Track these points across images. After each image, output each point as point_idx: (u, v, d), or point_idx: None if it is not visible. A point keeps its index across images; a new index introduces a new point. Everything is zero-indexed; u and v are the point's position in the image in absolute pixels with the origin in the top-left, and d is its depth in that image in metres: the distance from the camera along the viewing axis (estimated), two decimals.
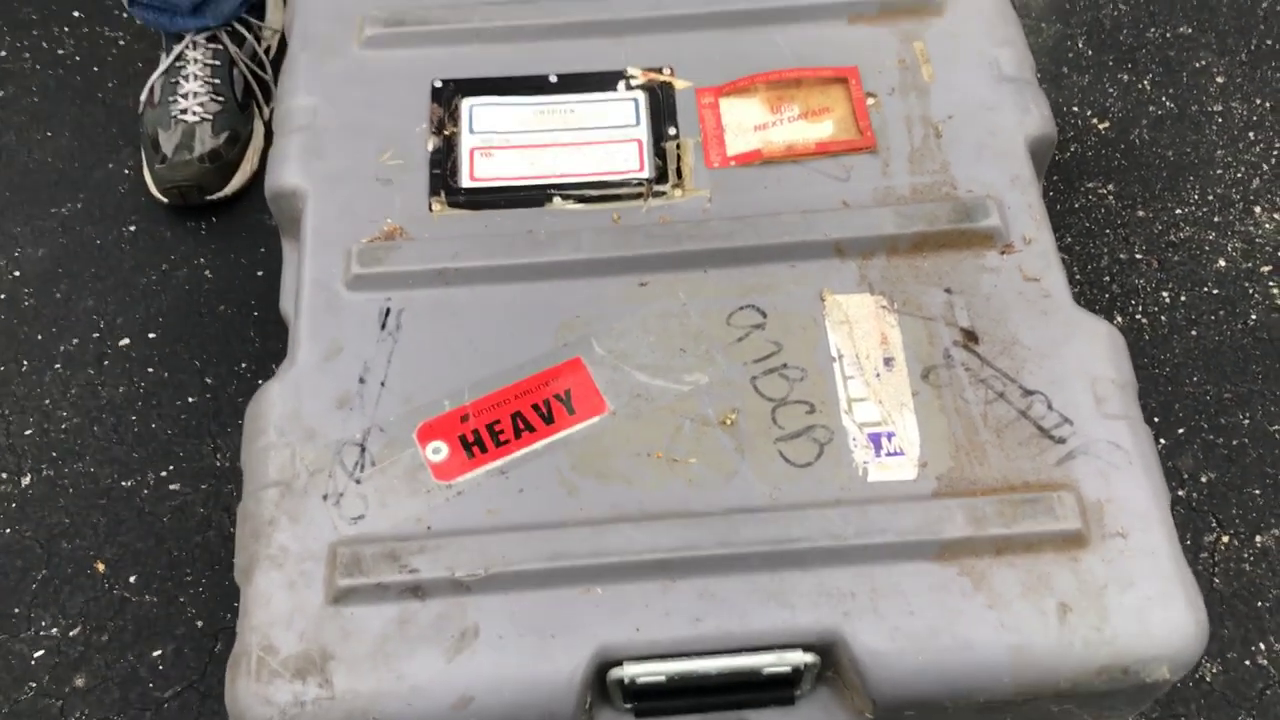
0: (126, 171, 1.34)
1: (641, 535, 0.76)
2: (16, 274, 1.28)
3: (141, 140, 1.31)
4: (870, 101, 0.95)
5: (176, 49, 1.30)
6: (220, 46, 1.30)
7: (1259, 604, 1.06)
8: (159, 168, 1.28)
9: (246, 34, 1.33)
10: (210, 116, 1.28)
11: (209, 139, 1.27)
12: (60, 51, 1.44)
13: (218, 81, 1.29)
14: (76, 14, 1.47)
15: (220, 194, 1.29)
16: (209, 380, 1.20)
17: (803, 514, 0.77)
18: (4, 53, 1.44)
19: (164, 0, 1.25)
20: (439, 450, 0.80)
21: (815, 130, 0.94)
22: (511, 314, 0.86)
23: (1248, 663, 1.04)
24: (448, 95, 0.97)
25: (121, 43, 1.44)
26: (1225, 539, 1.09)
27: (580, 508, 0.78)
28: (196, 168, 1.26)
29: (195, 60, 1.29)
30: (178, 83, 1.29)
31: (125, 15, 1.46)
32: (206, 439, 1.17)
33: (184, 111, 1.28)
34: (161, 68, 1.30)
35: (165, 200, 1.29)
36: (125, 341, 1.23)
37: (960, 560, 0.75)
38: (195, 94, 1.28)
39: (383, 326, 0.85)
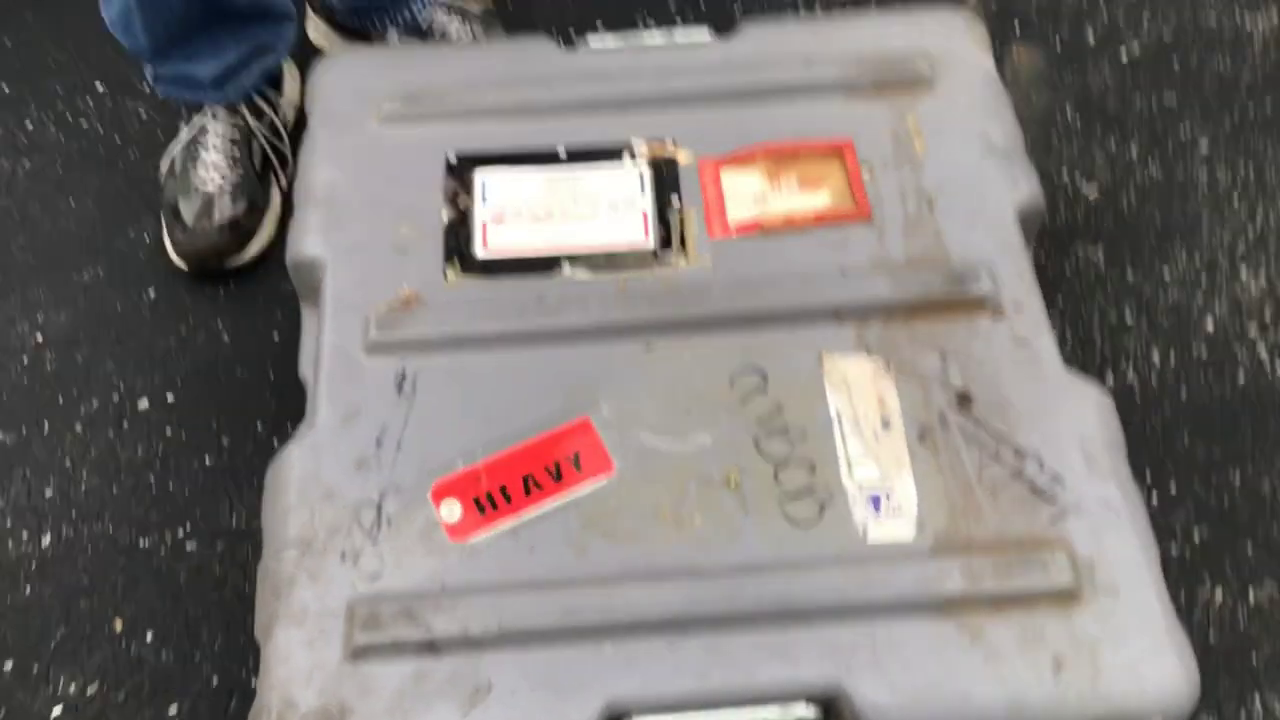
0: (147, 239, 1.38)
1: (649, 593, 0.79)
2: (39, 338, 1.31)
3: (162, 208, 1.35)
4: (865, 173, 0.99)
5: (198, 121, 1.34)
6: (240, 119, 1.35)
7: (1252, 660, 1.08)
8: (179, 235, 1.32)
9: (265, 107, 1.37)
10: (229, 186, 1.32)
11: (228, 208, 1.31)
12: (84, 124, 1.49)
13: (237, 153, 1.33)
14: (100, 88, 1.52)
15: (238, 261, 1.33)
16: (226, 442, 1.23)
17: (805, 572, 0.80)
18: (30, 125, 1.49)
19: (186, 75, 1.30)
20: (453, 510, 0.83)
21: (813, 200, 0.98)
22: (522, 377, 0.89)
23: (1242, 717, 1.06)
24: (462, 169, 1.01)
25: (143, 115, 1.49)
26: (1219, 595, 1.12)
27: (589, 566, 0.81)
28: (215, 236, 1.30)
29: (216, 132, 1.34)
30: (198, 153, 1.33)
31: (148, 89, 1.51)
32: (223, 499, 1.19)
33: (204, 181, 1.32)
34: (182, 139, 1.35)
35: (185, 267, 1.33)
36: (144, 404, 1.26)
37: (958, 616, 0.78)
38: (215, 164, 1.32)
39: (399, 390, 0.89)
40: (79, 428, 1.25)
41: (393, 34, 1.44)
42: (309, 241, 0.97)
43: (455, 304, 0.93)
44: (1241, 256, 1.34)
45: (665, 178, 1.00)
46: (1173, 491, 1.18)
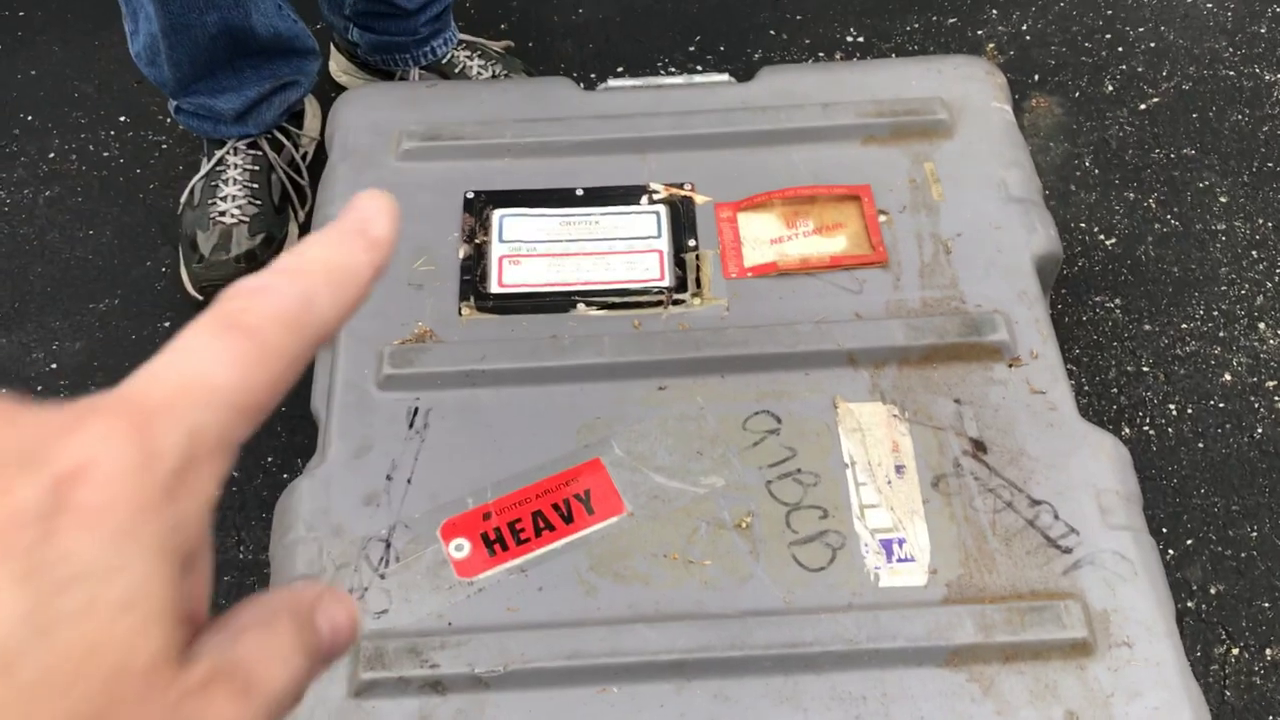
0: (164, 269, 1.39)
1: (657, 636, 0.78)
2: (53, 366, 1.32)
3: (180, 240, 1.36)
4: (882, 218, 0.99)
5: (218, 154, 1.35)
6: (260, 153, 1.36)
7: (1269, 717, 1.06)
8: (196, 266, 1.32)
9: (285, 141, 1.39)
10: (247, 219, 1.32)
11: (245, 240, 1.32)
12: (105, 154, 1.50)
13: (256, 186, 1.34)
14: (123, 119, 1.54)
15: None
16: (235, 474, 1.23)
17: (815, 618, 0.79)
18: (53, 155, 1.50)
19: (209, 108, 1.31)
20: (461, 547, 0.83)
21: (829, 245, 0.98)
22: (535, 415, 0.89)
23: None
24: (479, 206, 1.01)
25: (164, 146, 1.51)
26: (1235, 651, 1.10)
27: (598, 607, 0.80)
28: (232, 268, 1.31)
29: (235, 165, 1.35)
30: (217, 186, 1.34)
31: (169, 120, 1.52)
32: (231, 531, 1.19)
33: (222, 214, 1.33)
34: (202, 171, 1.36)
35: (200, 298, 1.34)
36: None
37: (969, 666, 0.77)
38: (234, 197, 1.33)
39: (411, 425, 0.89)
40: None
41: (414, 72, 1.46)
42: None
43: (469, 340, 0.93)
44: (1259, 309, 1.33)
45: (682, 219, 1.00)
46: (1189, 545, 1.16)
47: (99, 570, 0.20)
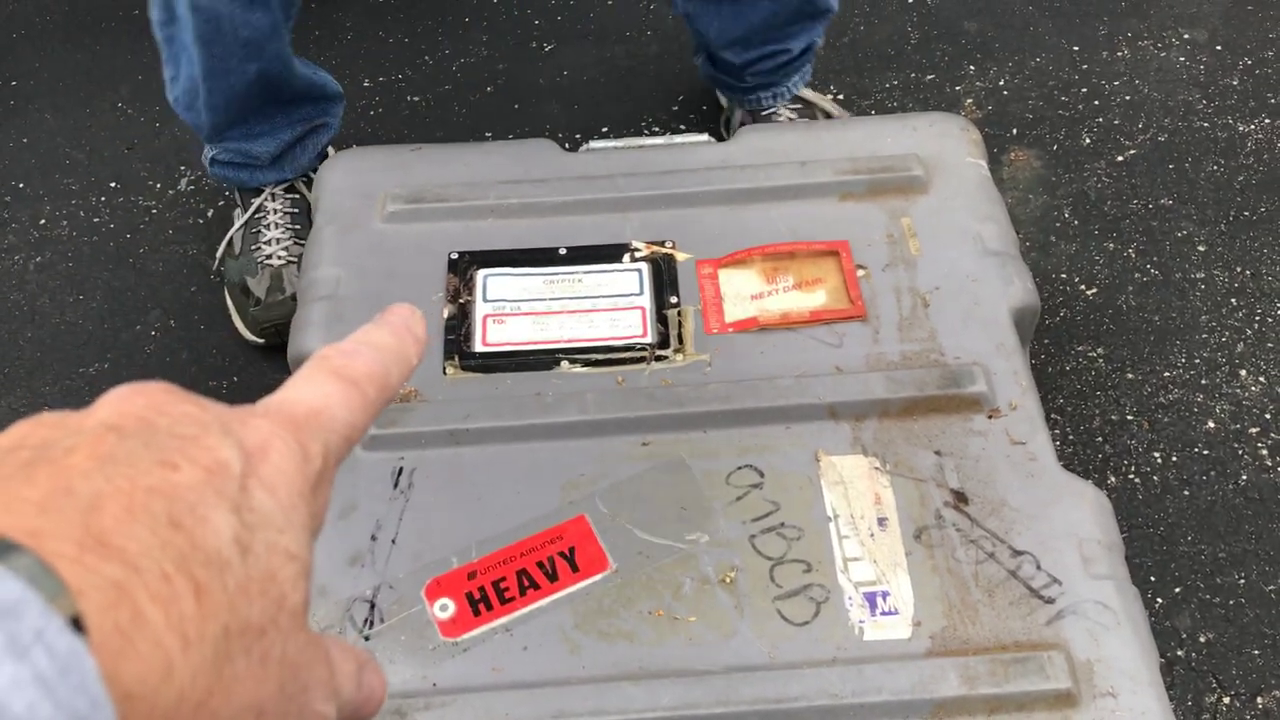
0: (153, 333, 1.40)
1: (642, 694, 0.78)
2: None
3: (228, 290, 1.39)
4: (861, 273, 1.00)
5: (256, 202, 1.38)
6: (297, 195, 1.40)
7: None
8: (253, 310, 1.35)
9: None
10: (295, 259, 1.35)
11: (297, 278, 1.34)
12: (96, 219, 1.52)
13: (298, 227, 1.38)
14: (114, 185, 1.55)
15: None
16: None
17: (800, 673, 0.79)
18: (44, 221, 1.52)
19: (245, 153, 1.35)
20: (446, 607, 0.83)
21: (809, 300, 0.99)
22: (519, 473, 0.90)
23: None
24: (463, 266, 1.02)
25: (154, 211, 1.52)
26: (1226, 700, 1.10)
27: (582, 666, 0.80)
28: (290, 306, 1.32)
29: (275, 210, 1.38)
30: (259, 232, 1.38)
31: (159, 186, 1.54)
32: None
33: (269, 257, 1.36)
34: (240, 221, 1.39)
35: (261, 341, 1.36)
36: None
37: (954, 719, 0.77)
38: (278, 240, 1.37)
39: (395, 485, 0.89)
40: None
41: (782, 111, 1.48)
42: (310, 337, 0.98)
43: (454, 400, 0.93)
44: (1240, 356, 1.34)
45: (664, 276, 1.02)
46: (1177, 593, 1.17)
47: (276, 523, 0.25)
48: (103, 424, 0.25)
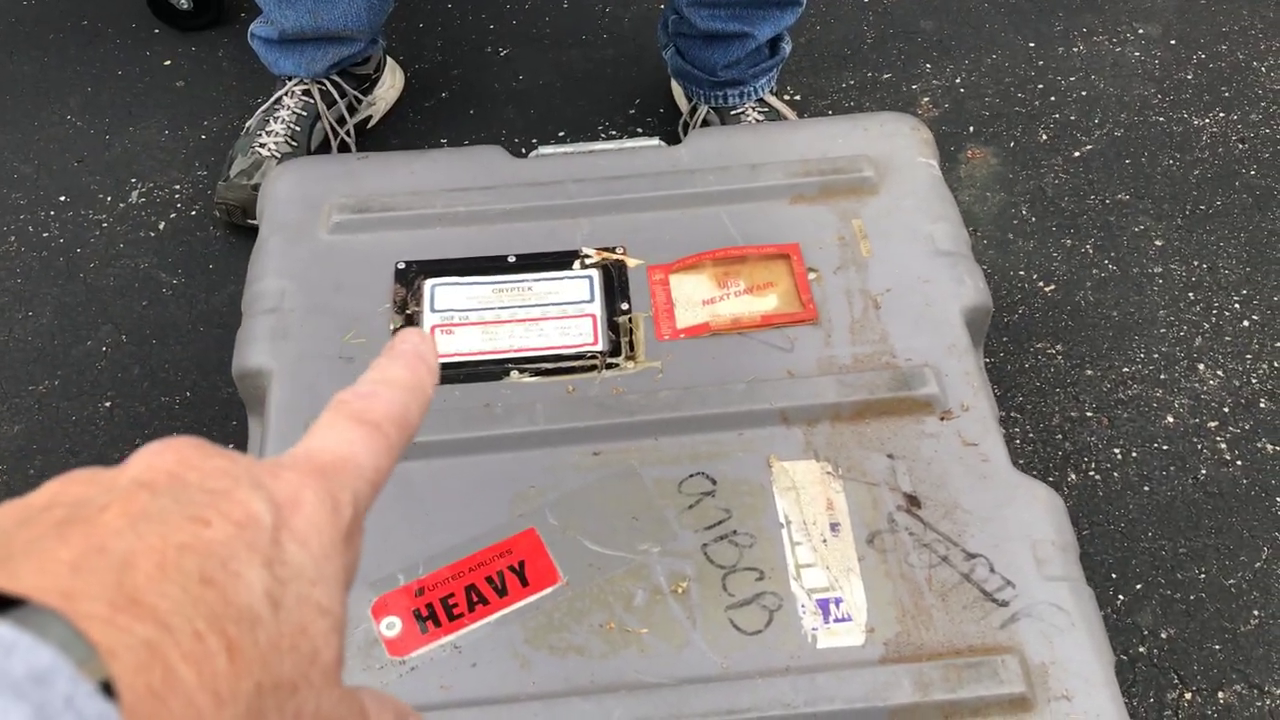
0: (104, 349, 1.38)
1: (593, 709, 0.77)
2: None
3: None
4: (812, 276, 0.99)
5: (277, 94, 1.48)
6: (310, 100, 1.48)
7: None
8: (220, 184, 1.44)
9: (338, 97, 1.50)
10: (279, 156, 1.43)
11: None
12: (45, 234, 1.49)
13: (298, 129, 1.46)
14: (63, 199, 1.53)
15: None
16: None
17: (753, 683, 0.78)
18: None
19: (276, 31, 1.42)
20: (393, 625, 0.81)
21: (760, 304, 0.99)
22: (467, 486, 0.88)
23: None
24: (410, 276, 1.01)
25: (104, 225, 1.50)
26: (1188, 696, 1.09)
27: (533, 681, 0.79)
28: (248, 193, 1.41)
29: (288, 107, 1.47)
30: (268, 121, 1.47)
31: (109, 199, 1.52)
32: None
33: (262, 145, 1.45)
34: (265, 106, 1.49)
35: (216, 215, 1.46)
36: None
37: None
38: (276, 134, 1.46)
39: None
40: None
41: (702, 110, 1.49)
42: (255, 351, 0.96)
43: None
44: (1198, 350, 1.34)
45: (615, 283, 1.01)
46: (1138, 590, 1.16)
47: (308, 577, 0.25)
48: (134, 481, 0.25)
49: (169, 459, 0.26)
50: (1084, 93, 1.61)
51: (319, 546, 0.26)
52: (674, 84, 1.55)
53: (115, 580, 0.22)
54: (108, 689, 0.21)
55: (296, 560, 0.25)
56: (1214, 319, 1.37)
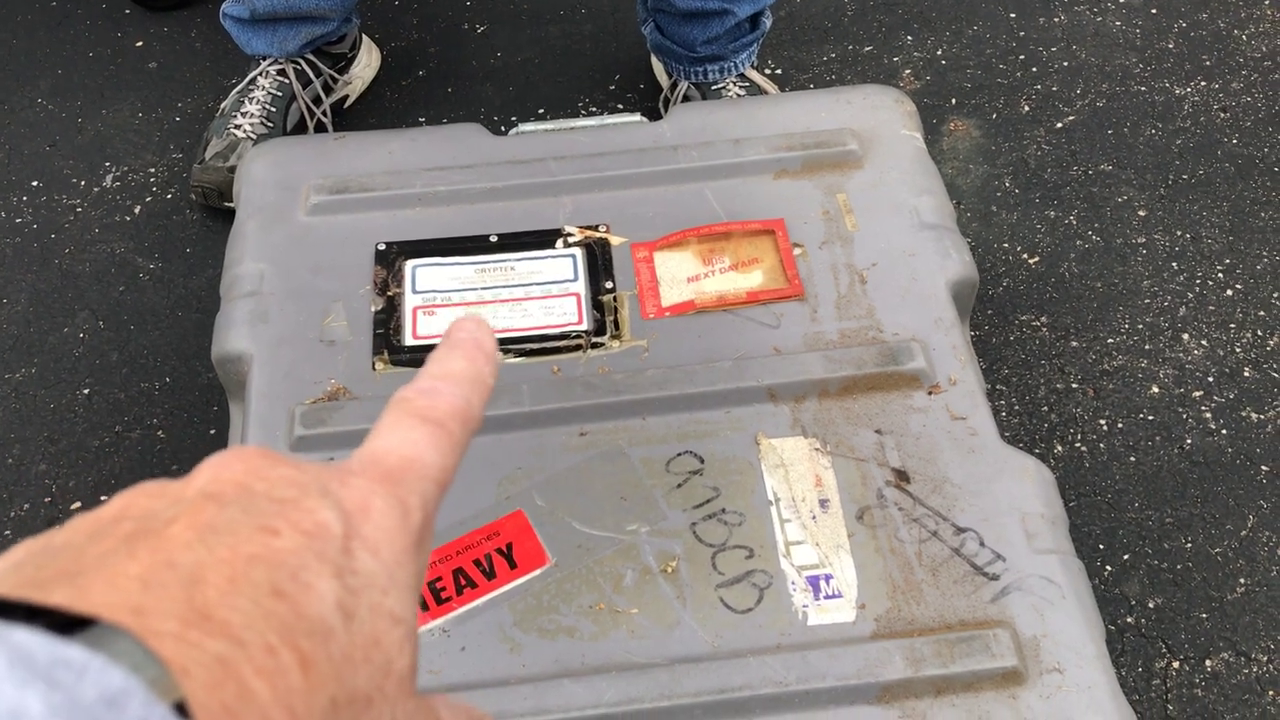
0: (81, 335, 1.36)
1: (583, 691, 0.76)
2: None
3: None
4: (797, 251, 0.99)
5: (251, 74, 1.47)
6: (285, 80, 1.47)
7: None
8: (195, 166, 1.43)
9: (313, 77, 1.48)
10: (255, 137, 1.42)
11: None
12: (18, 220, 1.47)
13: (274, 110, 1.46)
14: (35, 184, 1.51)
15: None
16: None
17: (744, 662, 0.77)
18: None
19: (247, 8, 1.40)
20: None
21: (746, 280, 0.98)
22: None
23: None
24: (391, 257, 1.00)
25: (78, 210, 1.48)
26: (1176, 665, 1.10)
27: (522, 664, 0.78)
28: (224, 176, 1.40)
29: (262, 87, 1.46)
30: (243, 102, 1.46)
31: (83, 184, 1.50)
32: None
33: (237, 126, 1.44)
34: (239, 86, 1.48)
35: (193, 198, 1.44)
36: (77, 505, 1.23)
37: (901, 702, 0.76)
38: (252, 115, 1.45)
39: None
40: (8, 532, 1.21)
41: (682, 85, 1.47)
42: (234, 336, 0.95)
43: (383, 396, 0.91)
44: (1183, 320, 1.34)
45: (598, 261, 1.00)
46: (1126, 560, 1.17)
47: (380, 585, 0.25)
48: (202, 492, 0.25)
49: (236, 469, 0.25)
50: (1066, 63, 1.60)
51: (390, 554, 0.25)
52: (654, 59, 1.54)
53: (185, 595, 0.22)
54: (180, 709, 0.20)
55: (368, 569, 0.25)
56: (1198, 288, 1.37)
